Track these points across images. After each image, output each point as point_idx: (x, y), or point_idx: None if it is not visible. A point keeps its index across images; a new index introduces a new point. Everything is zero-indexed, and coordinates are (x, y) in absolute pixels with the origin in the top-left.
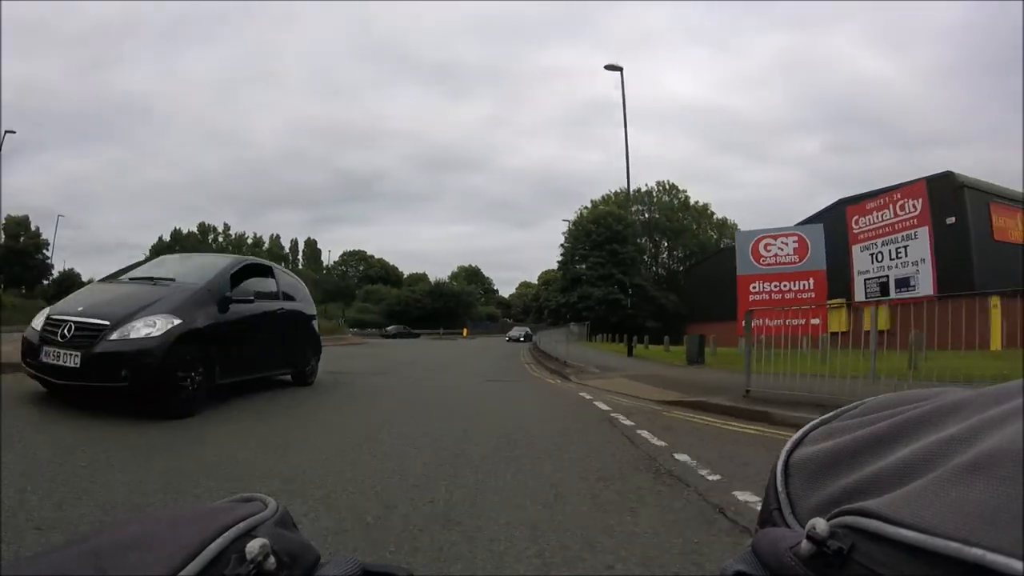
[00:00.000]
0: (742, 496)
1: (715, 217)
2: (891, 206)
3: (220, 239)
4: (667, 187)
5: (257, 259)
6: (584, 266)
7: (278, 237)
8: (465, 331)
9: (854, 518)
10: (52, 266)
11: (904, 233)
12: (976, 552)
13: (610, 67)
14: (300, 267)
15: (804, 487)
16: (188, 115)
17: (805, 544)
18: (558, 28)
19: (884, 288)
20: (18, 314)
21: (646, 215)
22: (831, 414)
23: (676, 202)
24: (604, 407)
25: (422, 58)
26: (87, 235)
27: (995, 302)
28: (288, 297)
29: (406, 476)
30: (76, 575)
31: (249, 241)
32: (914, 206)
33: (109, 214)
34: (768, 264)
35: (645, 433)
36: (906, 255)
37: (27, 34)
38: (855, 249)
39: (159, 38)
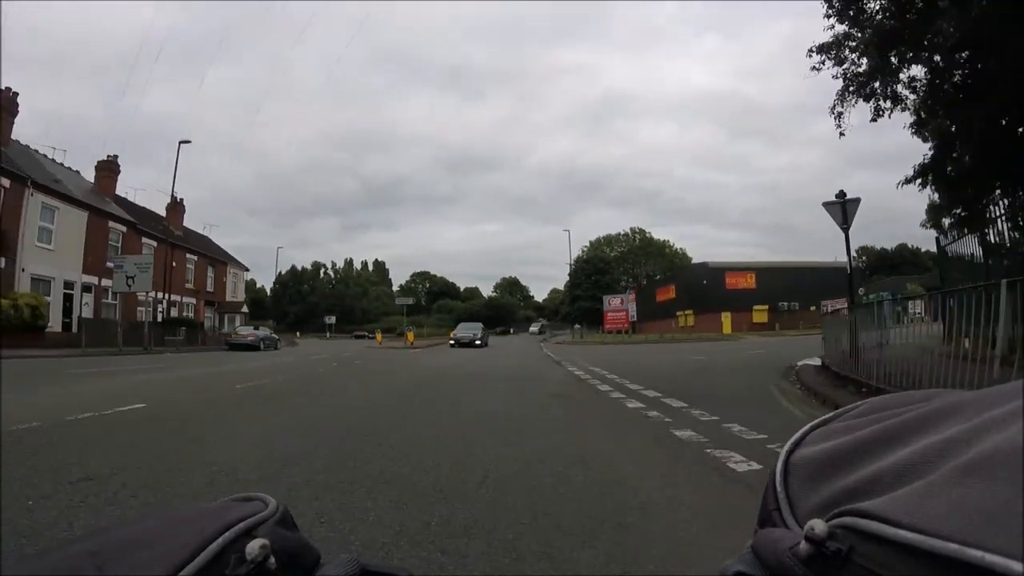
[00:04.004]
0: (568, 364)
1: (675, 248)
2: (633, 293)
3: (330, 272)
4: (637, 230)
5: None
6: (580, 290)
7: (351, 261)
8: (511, 331)
9: (853, 519)
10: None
11: (631, 304)
12: (975, 553)
13: (564, 229)
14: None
15: (803, 488)
16: (212, 133)
17: (804, 545)
18: (569, 25)
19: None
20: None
21: (623, 248)
22: (831, 415)
23: (644, 239)
24: (543, 346)
25: (436, 62)
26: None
27: (726, 315)
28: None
29: (511, 353)
30: (76, 575)
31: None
32: (633, 297)
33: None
34: (611, 308)
35: (547, 350)
36: (633, 308)
37: (52, 67)
38: (628, 305)
39: (179, 61)
